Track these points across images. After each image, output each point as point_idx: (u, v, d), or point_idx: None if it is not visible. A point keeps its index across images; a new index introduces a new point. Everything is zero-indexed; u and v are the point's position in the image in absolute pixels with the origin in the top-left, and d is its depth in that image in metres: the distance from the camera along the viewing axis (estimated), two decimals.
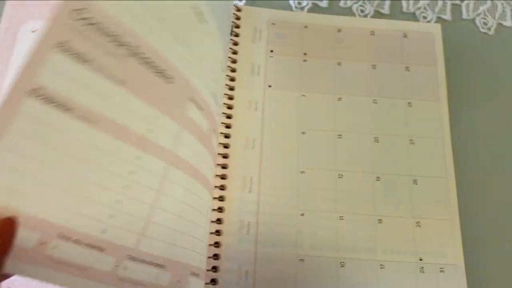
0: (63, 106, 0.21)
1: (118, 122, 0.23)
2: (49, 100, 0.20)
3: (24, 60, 0.19)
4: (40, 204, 0.21)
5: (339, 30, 0.43)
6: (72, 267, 0.22)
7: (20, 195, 0.20)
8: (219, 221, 0.36)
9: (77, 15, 0.21)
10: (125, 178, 0.24)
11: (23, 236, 0.20)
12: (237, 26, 0.42)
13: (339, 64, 0.42)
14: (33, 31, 0.40)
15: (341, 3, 0.45)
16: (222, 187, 0.37)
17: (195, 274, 0.29)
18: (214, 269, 0.34)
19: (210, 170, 0.31)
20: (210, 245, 0.35)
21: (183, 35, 0.27)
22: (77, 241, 0.22)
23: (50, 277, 0.21)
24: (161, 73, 0.25)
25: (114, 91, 0.23)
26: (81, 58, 0.21)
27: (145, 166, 0.24)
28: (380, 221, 0.37)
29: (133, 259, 0.24)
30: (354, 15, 0.45)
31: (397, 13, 0.45)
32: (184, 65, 0.27)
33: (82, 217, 0.22)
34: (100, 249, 0.23)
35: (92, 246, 0.23)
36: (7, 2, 0.39)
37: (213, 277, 0.34)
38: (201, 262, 0.30)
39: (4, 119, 0.19)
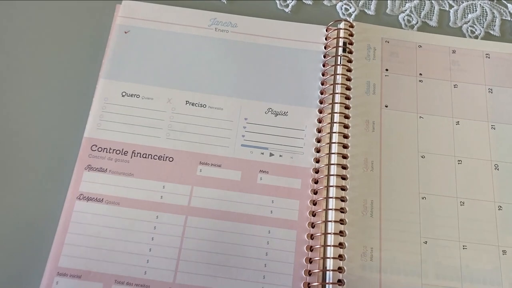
0: (96, 200, 0.35)
1: (135, 198, 0.35)
2: (87, 198, 0.35)
3: (71, 182, 0.36)
4: (101, 263, 0.33)
5: (454, 51, 0.42)
6: None
7: (88, 260, 0.33)
8: (341, 245, 0.34)
9: (94, 148, 0.37)
10: (151, 233, 0.34)
11: (93, 287, 0.33)
12: (350, 43, 0.41)
13: (455, 86, 0.40)
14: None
15: (451, 23, 0.44)
16: (342, 210, 0.35)
17: None
18: None
19: (251, 205, 0.36)
20: (334, 270, 0.34)
21: None
22: (129, 283, 0.33)
23: None
24: (160, 158, 0.37)
25: (127, 181, 0.36)
26: (100, 170, 0.36)
27: (165, 221, 0.35)
28: (504, 252, 0.35)
29: None
30: (464, 35, 0.44)
31: (507, 34, 0.44)
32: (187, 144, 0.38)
33: (128, 266, 0.33)
34: (146, 286, 0.33)
35: (140, 285, 0.33)
36: None
37: None
38: None
39: (67, 217, 0.34)
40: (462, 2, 0.45)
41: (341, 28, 0.41)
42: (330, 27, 0.42)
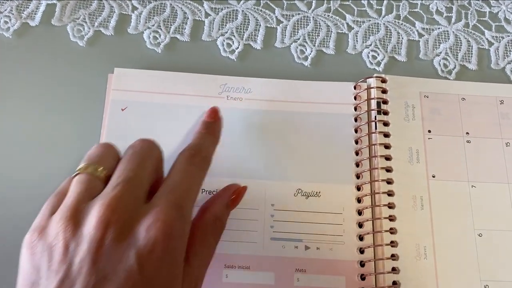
0: None
1: None
2: None
3: None
4: None
5: (501, 102, 0.36)
6: None
7: None
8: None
9: None
10: None
11: None
12: (385, 102, 0.35)
13: (507, 145, 0.35)
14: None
15: (493, 65, 0.39)
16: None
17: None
18: None
19: None
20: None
21: None
22: None
23: None
24: None
25: None
26: None
27: None
28: None
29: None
30: (509, 78, 0.38)
31: None
32: None
33: None
34: None
35: None
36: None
37: None
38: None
39: None
40: (503, 38, 0.39)
41: (372, 88, 0.35)
42: (359, 84, 0.36)
